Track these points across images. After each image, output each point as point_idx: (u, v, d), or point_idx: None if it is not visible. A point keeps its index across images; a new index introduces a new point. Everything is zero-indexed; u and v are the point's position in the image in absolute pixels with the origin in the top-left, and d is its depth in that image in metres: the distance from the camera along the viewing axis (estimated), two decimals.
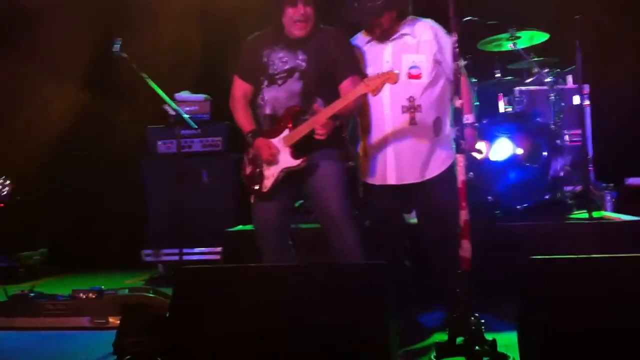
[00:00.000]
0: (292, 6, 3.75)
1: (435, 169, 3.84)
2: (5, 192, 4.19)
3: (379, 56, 3.86)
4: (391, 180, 3.85)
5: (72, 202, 6.54)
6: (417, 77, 3.80)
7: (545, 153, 4.94)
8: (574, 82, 5.68)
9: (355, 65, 3.85)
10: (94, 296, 4.36)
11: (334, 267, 3.53)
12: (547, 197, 4.93)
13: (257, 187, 3.83)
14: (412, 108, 3.79)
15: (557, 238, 4.53)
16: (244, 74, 3.95)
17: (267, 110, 3.85)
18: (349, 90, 3.71)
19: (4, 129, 6.20)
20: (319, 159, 3.76)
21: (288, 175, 3.75)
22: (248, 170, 3.91)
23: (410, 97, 3.78)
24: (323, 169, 3.77)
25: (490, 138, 4.93)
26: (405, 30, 3.85)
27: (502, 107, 5.68)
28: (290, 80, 3.80)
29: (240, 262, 4.32)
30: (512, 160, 4.94)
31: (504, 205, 4.87)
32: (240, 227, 5.14)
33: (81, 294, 4.39)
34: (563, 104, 5.35)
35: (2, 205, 5.00)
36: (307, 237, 4.55)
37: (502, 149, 4.96)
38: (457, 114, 3.37)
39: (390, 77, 3.52)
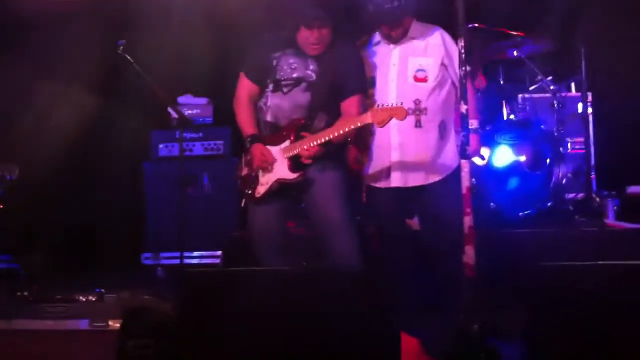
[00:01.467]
0: (307, 28, 3.68)
1: (439, 173, 3.84)
2: (12, 177, 4.17)
3: (386, 59, 3.86)
4: (395, 182, 3.85)
5: (73, 205, 6.52)
6: (424, 80, 3.81)
7: (548, 160, 4.94)
8: (577, 89, 5.68)
9: (361, 84, 3.81)
10: (94, 299, 4.34)
11: (338, 272, 3.51)
12: (549, 204, 4.93)
13: (249, 192, 3.80)
14: (417, 110, 3.80)
15: (559, 246, 4.52)
16: (251, 73, 3.89)
17: (268, 117, 3.82)
18: (350, 109, 3.69)
19: (7, 131, 6.19)
20: (317, 172, 3.73)
21: (282, 186, 3.73)
22: (244, 171, 3.88)
23: (417, 99, 3.79)
24: (321, 179, 3.74)
25: (492, 145, 4.93)
26: (413, 33, 3.86)
27: (505, 114, 5.68)
28: (296, 89, 3.76)
29: (240, 266, 4.31)
30: (515, 167, 4.94)
31: (506, 213, 4.87)
32: (240, 230, 5.12)
33: (81, 297, 4.37)
34: (566, 111, 5.36)
35: (1, 206, 4.98)
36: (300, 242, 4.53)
37: (503, 155, 4.96)
38: (463, 119, 3.37)
39: (399, 113, 3.50)
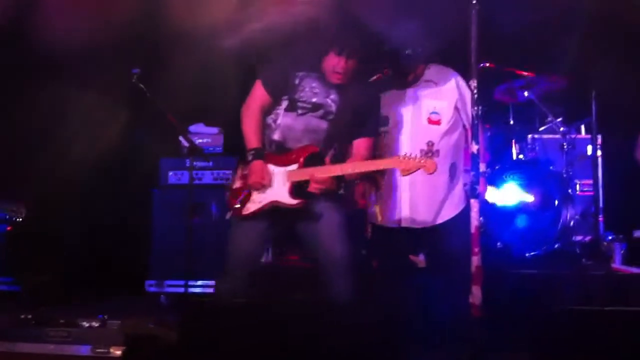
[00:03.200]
0: (336, 54, 3.61)
1: (447, 214, 3.87)
2: (19, 218, 4.20)
3: (400, 100, 3.90)
4: (405, 223, 3.87)
5: (80, 229, 6.53)
6: (437, 122, 3.86)
7: (556, 201, 4.94)
8: (587, 131, 5.68)
9: (375, 128, 3.79)
10: (97, 324, 4.31)
11: (337, 306, 3.51)
12: (556, 246, 4.92)
13: (238, 206, 3.66)
14: (430, 152, 3.84)
15: (565, 289, 4.48)
16: (269, 85, 3.75)
17: (276, 136, 3.73)
18: (361, 149, 3.64)
19: (25, 158, 6.25)
20: (321, 206, 3.64)
21: (276, 210, 3.62)
22: (237, 184, 3.74)
23: (429, 141, 3.84)
24: (326, 215, 3.66)
25: (501, 184, 4.94)
26: (427, 76, 3.92)
27: (514, 153, 5.68)
28: (311, 114, 3.69)
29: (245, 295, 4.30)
30: (523, 207, 4.94)
31: (514, 252, 4.85)
32: None
33: (84, 322, 4.34)
34: (575, 153, 5.36)
35: (9, 229, 4.98)
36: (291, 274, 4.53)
37: (512, 194, 4.96)
38: (473, 159, 3.38)
39: (429, 167, 3.44)
